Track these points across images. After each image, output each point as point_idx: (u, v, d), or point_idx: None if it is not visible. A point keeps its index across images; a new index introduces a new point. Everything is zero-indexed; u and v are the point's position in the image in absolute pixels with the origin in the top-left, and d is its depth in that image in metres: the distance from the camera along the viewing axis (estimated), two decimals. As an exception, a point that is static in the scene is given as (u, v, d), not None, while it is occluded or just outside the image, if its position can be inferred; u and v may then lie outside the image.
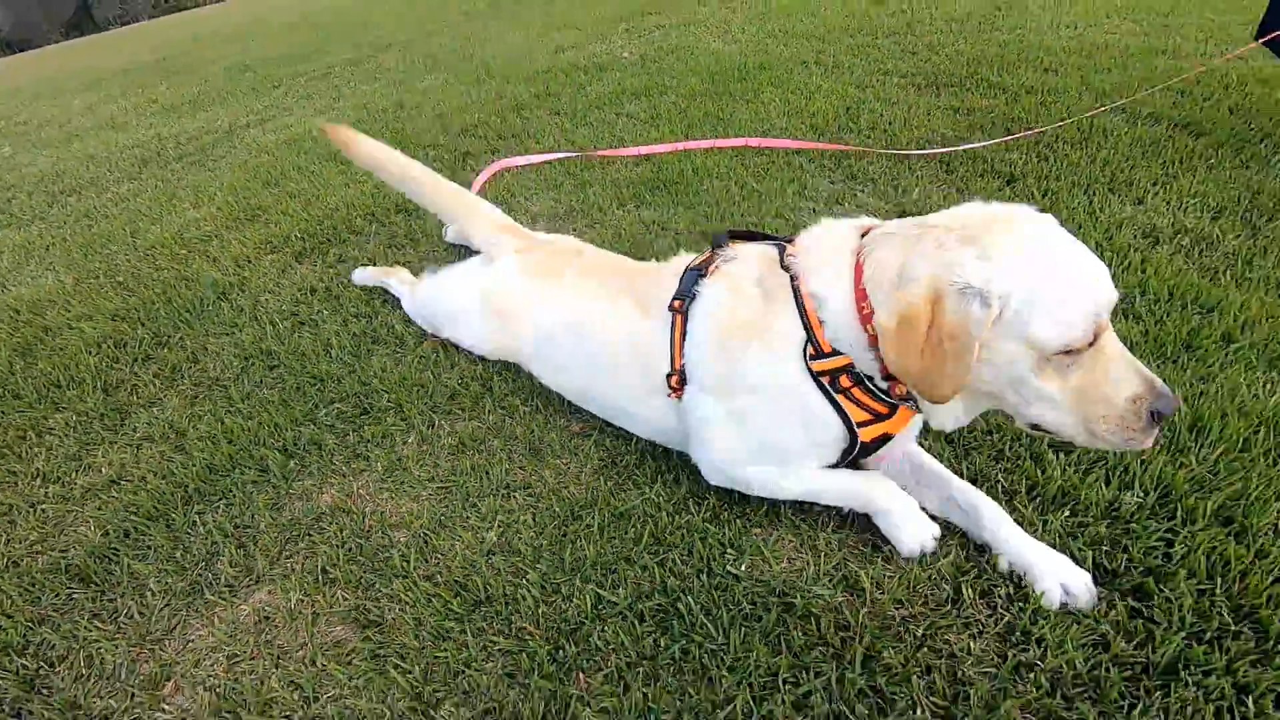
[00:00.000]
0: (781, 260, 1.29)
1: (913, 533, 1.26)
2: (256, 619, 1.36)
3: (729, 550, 1.35)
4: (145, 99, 7.01)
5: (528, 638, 1.24)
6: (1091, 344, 1.03)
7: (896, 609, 1.23)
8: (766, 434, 1.31)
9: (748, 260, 1.36)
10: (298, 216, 3.04)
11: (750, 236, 1.46)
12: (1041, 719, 1.05)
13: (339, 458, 1.70)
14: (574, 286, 1.67)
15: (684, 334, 1.39)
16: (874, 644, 1.17)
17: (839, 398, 1.23)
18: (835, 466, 1.35)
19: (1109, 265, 1.97)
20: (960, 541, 1.29)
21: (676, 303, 1.40)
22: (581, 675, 1.18)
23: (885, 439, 1.29)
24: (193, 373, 2.12)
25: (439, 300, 2.01)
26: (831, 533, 1.36)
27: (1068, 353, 1.02)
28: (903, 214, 2.43)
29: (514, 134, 3.69)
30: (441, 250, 2.62)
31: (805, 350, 1.22)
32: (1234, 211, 2.25)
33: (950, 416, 1.21)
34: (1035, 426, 1.12)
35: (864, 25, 4.96)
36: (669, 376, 1.40)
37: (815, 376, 1.23)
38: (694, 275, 1.41)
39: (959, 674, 1.12)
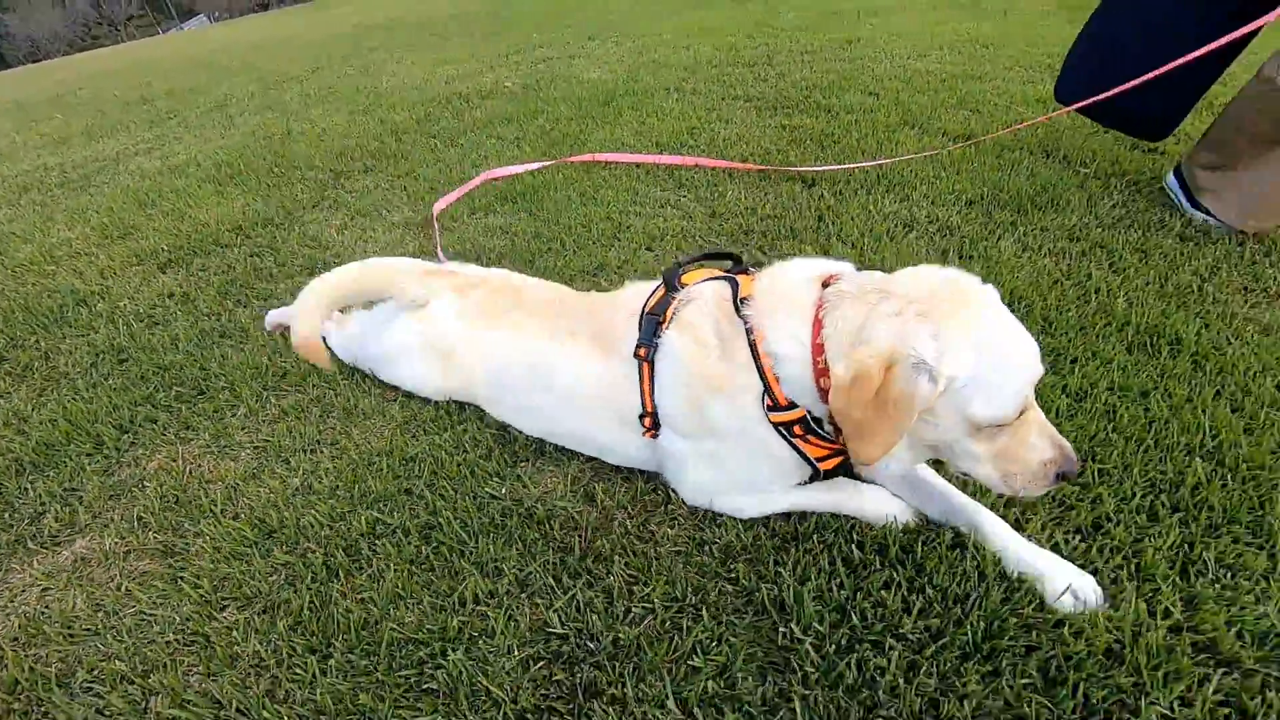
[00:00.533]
0: (735, 304, 1.35)
1: (892, 505, 1.40)
2: (74, 561, 1.54)
3: (494, 479, 1.61)
4: (36, 132, 6.94)
5: (308, 552, 1.47)
6: (1018, 417, 1.17)
7: (620, 512, 1.51)
8: (738, 472, 1.41)
9: (704, 307, 1.40)
10: (167, 232, 3.21)
11: (703, 257, 1.55)
12: (709, 576, 1.34)
13: (171, 431, 1.90)
14: (523, 326, 1.68)
15: (651, 378, 1.45)
16: (594, 537, 1.45)
17: (795, 440, 1.33)
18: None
19: (869, 250, 2.36)
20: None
21: (641, 350, 1.44)
22: (350, 576, 1.41)
23: (842, 464, 1.42)
24: (43, 369, 2.27)
25: (375, 341, 1.93)
26: (584, 462, 1.64)
27: (998, 426, 1.16)
28: (713, 215, 2.81)
29: (388, 155, 3.94)
30: (300, 262, 2.82)
31: (763, 400, 1.31)
32: (980, 205, 2.69)
33: (893, 467, 1.40)
34: (964, 473, 1.26)
35: (730, 57, 5.45)
36: (642, 418, 1.47)
37: (773, 425, 1.32)
38: (653, 322, 1.45)
39: (655, 553, 1.40)
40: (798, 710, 1.10)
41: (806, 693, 1.12)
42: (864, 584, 1.27)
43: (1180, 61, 2.19)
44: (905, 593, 1.24)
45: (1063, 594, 1.18)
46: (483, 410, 1.80)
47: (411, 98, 5.28)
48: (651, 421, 1.46)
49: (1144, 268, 2.18)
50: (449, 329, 1.76)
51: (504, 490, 1.58)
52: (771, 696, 1.13)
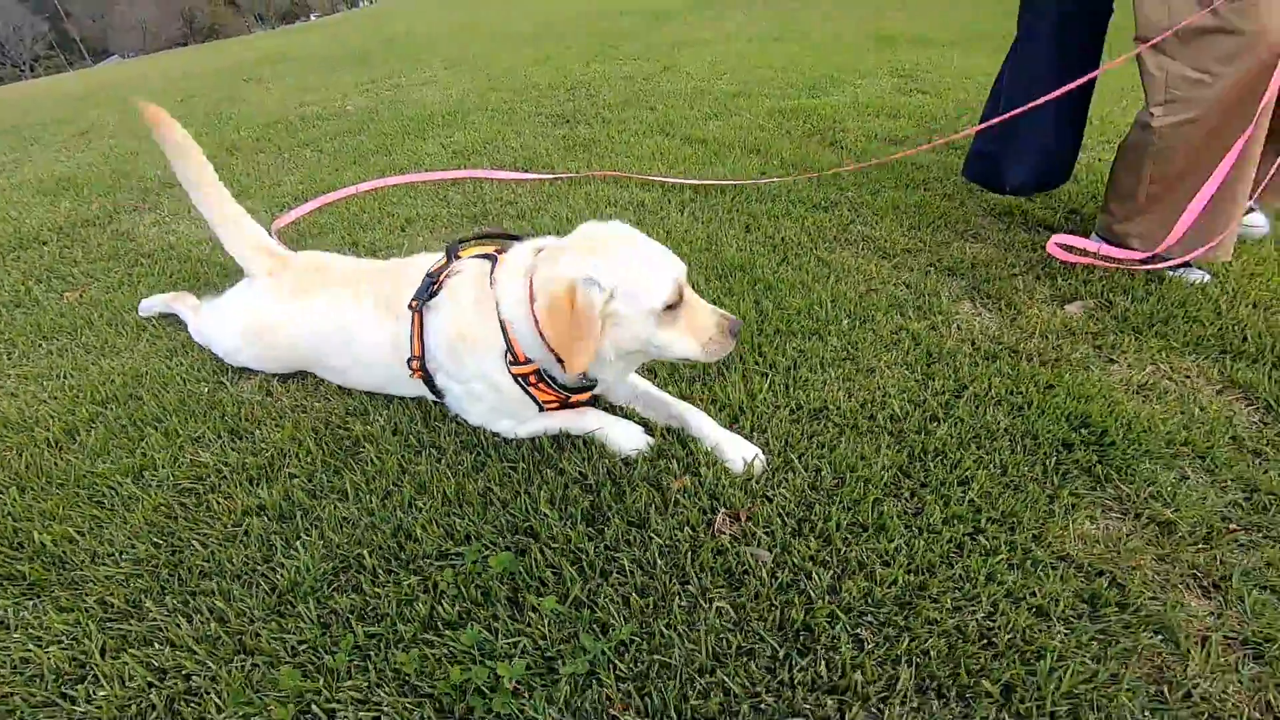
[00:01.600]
0: (491, 277, 1.66)
1: (628, 438, 1.71)
2: None
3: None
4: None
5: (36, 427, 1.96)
6: (680, 300, 1.52)
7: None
8: (492, 406, 1.75)
9: (467, 278, 1.70)
10: (-7, 234, 3.61)
11: (481, 237, 1.87)
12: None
13: (-47, 371, 2.34)
14: (328, 300, 1.93)
15: (421, 329, 1.74)
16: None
17: (530, 389, 1.68)
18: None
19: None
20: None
21: (414, 303, 1.73)
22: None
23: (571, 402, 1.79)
24: None
25: (211, 328, 2.21)
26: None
27: (670, 308, 1.51)
28: (470, 204, 3.41)
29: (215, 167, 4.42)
30: (105, 251, 3.27)
31: (505, 356, 1.63)
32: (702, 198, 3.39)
33: (611, 377, 1.72)
34: (678, 359, 1.59)
35: (556, 82, 6.17)
36: (409, 361, 1.76)
37: (513, 376, 1.66)
38: (429, 282, 1.74)
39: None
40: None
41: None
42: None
43: (1020, 110, 2.40)
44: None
45: (736, 462, 1.63)
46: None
47: (257, 120, 5.77)
48: (418, 365, 1.75)
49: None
50: (263, 309, 2.03)
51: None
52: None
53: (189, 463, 1.81)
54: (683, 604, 1.35)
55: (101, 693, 1.25)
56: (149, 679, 1.27)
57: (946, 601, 1.34)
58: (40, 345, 2.44)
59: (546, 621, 1.31)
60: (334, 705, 1.20)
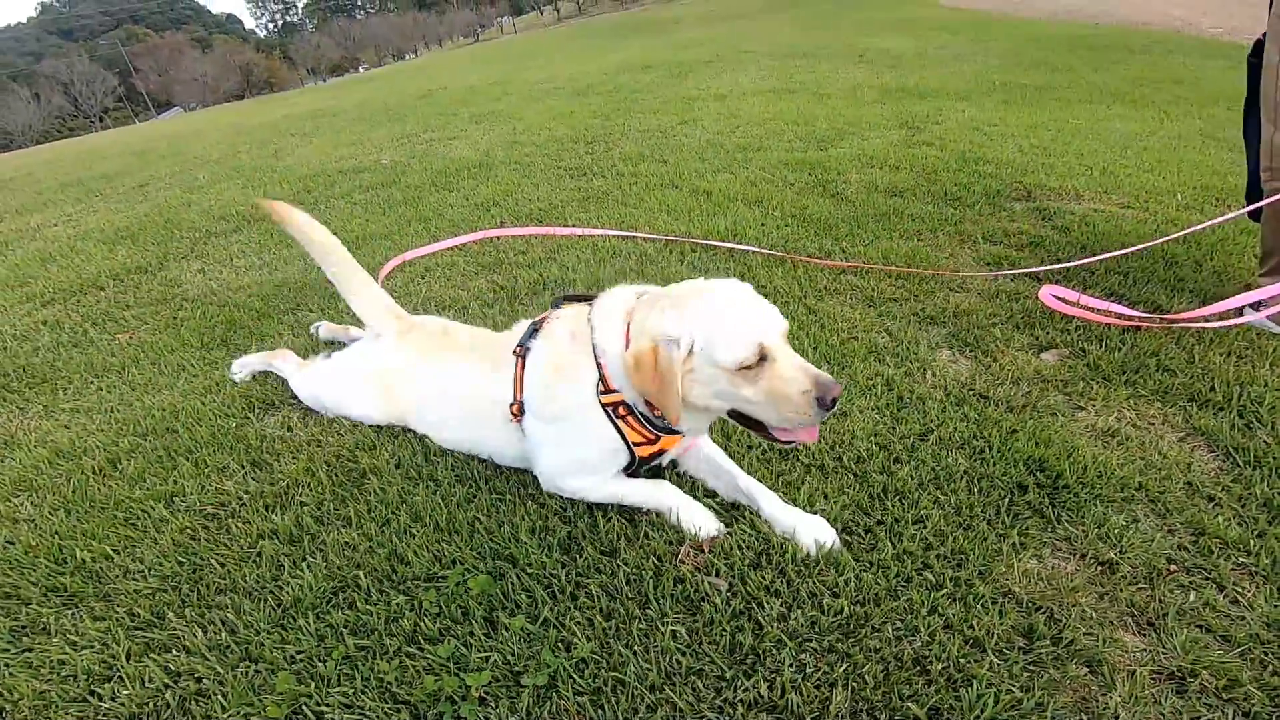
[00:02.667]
0: (588, 317, 1.72)
1: (702, 521, 1.68)
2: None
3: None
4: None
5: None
6: (762, 361, 1.48)
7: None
8: (574, 449, 1.73)
9: (566, 317, 1.78)
10: (54, 280, 3.96)
11: (581, 298, 1.86)
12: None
13: (14, 405, 2.61)
14: (444, 360, 2.04)
15: (523, 374, 1.80)
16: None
17: (619, 422, 1.67)
18: (630, 475, 1.80)
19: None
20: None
21: (517, 349, 1.82)
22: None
23: (660, 454, 1.77)
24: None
25: (331, 380, 2.28)
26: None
27: (747, 368, 1.48)
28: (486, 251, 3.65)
29: (259, 219, 4.79)
30: (154, 296, 3.57)
31: (597, 386, 1.66)
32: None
33: (692, 428, 1.70)
34: (741, 417, 1.58)
35: (576, 136, 6.50)
36: (511, 405, 1.80)
37: (603, 405, 1.67)
38: (531, 330, 1.84)
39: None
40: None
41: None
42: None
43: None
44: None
45: (809, 543, 1.60)
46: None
47: (299, 173, 6.20)
48: (518, 409, 1.80)
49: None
50: (391, 365, 2.15)
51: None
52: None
53: (214, 490, 2.00)
54: (641, 626, 1.47)
55: (125, 692, 1.42)
56: (166, 681, 1.44)
57: (888, 631, 1.44)
58: (92, 382, 2.70)
59: (516, 639, 1.45)
60: (323, 708, 1.35)
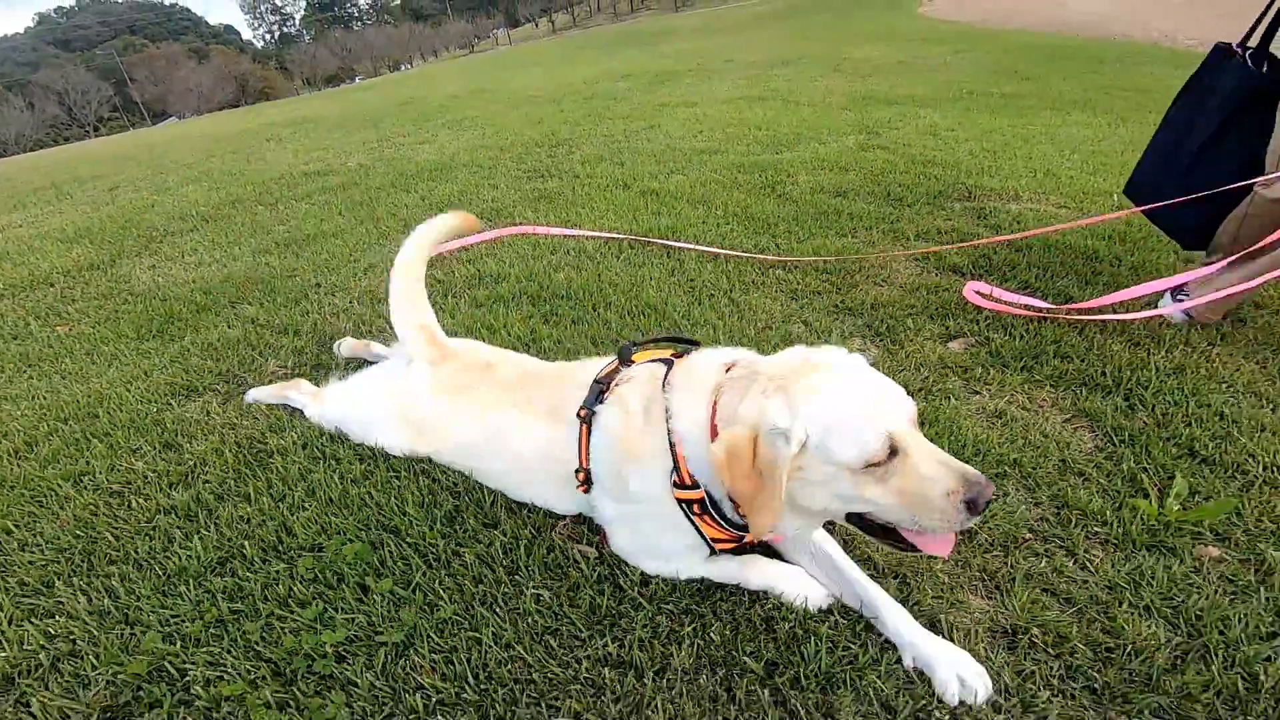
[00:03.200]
0: (664, 384, 1.46)
1: (810, 594, 1.45)
2: None
3: (152, 402, 2.40)
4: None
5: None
6: (893, 455, 1.19)
7: (222, 414, 2.30)
8: (649, 538, 1.52)
9: (638, 384, 1.52)
10: (5, 276, 4.00)
11: (656, 342, 1.68)
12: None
13: (-54, 392, 2.65)
14: (487, 402, 1.78)
15: (588, 438, 1.56)
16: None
17: (696, 520, 1.42)
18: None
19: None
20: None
21: (582, 411, 1.57)
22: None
23: (744, 545, 1.51)
24: None
25: (353, 408, 2.08)
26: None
27: (875, 465, 1.19)
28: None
29: (217, 218, 4.86)
30: (101, 291, 3.62)
31: (671, 476, 1.40)
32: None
33: (798, 532, 1.45)
34: (862, 521, 1.29)
35: (542, 140, 6.59)
36: (577, 472, 1.58)
37: (678, 501, 1.41)
38: (598, 389, 1.58)
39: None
40: (244, 486, 1.89)
41: None
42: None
43: (1211, 192, 2.44)
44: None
45: (950, 684, 1.26)
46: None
47: (266, 176, 6.28)
48: (585, 477, 1.57)
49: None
50: (422, 401, 1.89)
51: (155, 408, 2.37)
52: None
53: (124, 469, 2.05)
54: (507, 590, 1.53)
55: (2, 654, 1.46)
56: (42, 642, 1.48)
57: (742, 595, 1.50)
58: (25, 371, 2.75)
59: (385, 602, 1.50)
60: (188, 665, 1.40)
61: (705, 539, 1.45)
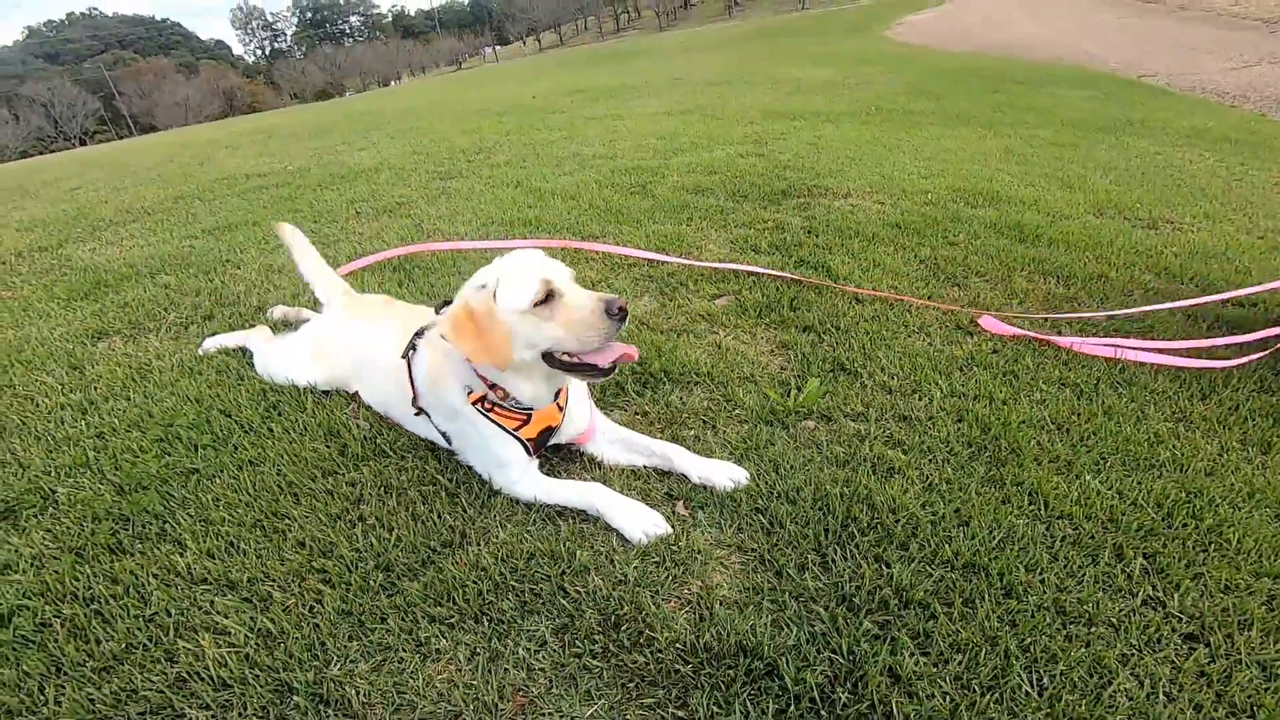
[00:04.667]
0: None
1: (637, 523, 1.72)
2: None
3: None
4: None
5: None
6: (549, 299, 1.66)
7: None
8: (481, 449, 1.88)
9: (440, 323, 1.83)
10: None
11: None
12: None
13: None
14: (376, 319, 2.29)
15: (411, 376, 1.98)
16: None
17: (489, 415, 1.83)
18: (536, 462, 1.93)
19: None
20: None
21: (403, 354, 2.01)
22: None
23: (548, 431, 1.92)
24: None
25: (282, 354, 2.50)
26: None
27: (539, 305, 1.65)
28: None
29: (154, 212, 5.46)
30: (39, 275, 4.21)
31: (465, 390, 1.85)
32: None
33: (530, 392, 1.81)
34: (561, 363, 1.71)
35: (472, 147, 7.26)
36: (414, 400, 1.99)
37: (476, 407, 1.84)
38: (416, 335, 2.00)
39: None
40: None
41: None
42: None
43: None
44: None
45: (725, 481, 1.86)
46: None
47: (213, 177, 6.91)
48: (415, 406, 1.99)
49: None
50: (332, 330, 2.42)
51: (69, 345, 2.98)
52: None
53: (37, 382, 2.65)
54: (296, 444, 2.14)
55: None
56: (-45, 479, 2.08)
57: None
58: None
59: (204, 449, 2.12)
60: (57, 486, 2.00)
61: (509, 433, 1.84)
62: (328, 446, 2.13)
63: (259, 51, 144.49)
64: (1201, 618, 1.49)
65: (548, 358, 1.73)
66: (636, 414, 2.30)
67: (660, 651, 1.45)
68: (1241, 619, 1.49)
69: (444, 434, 1.99)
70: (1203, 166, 6.13)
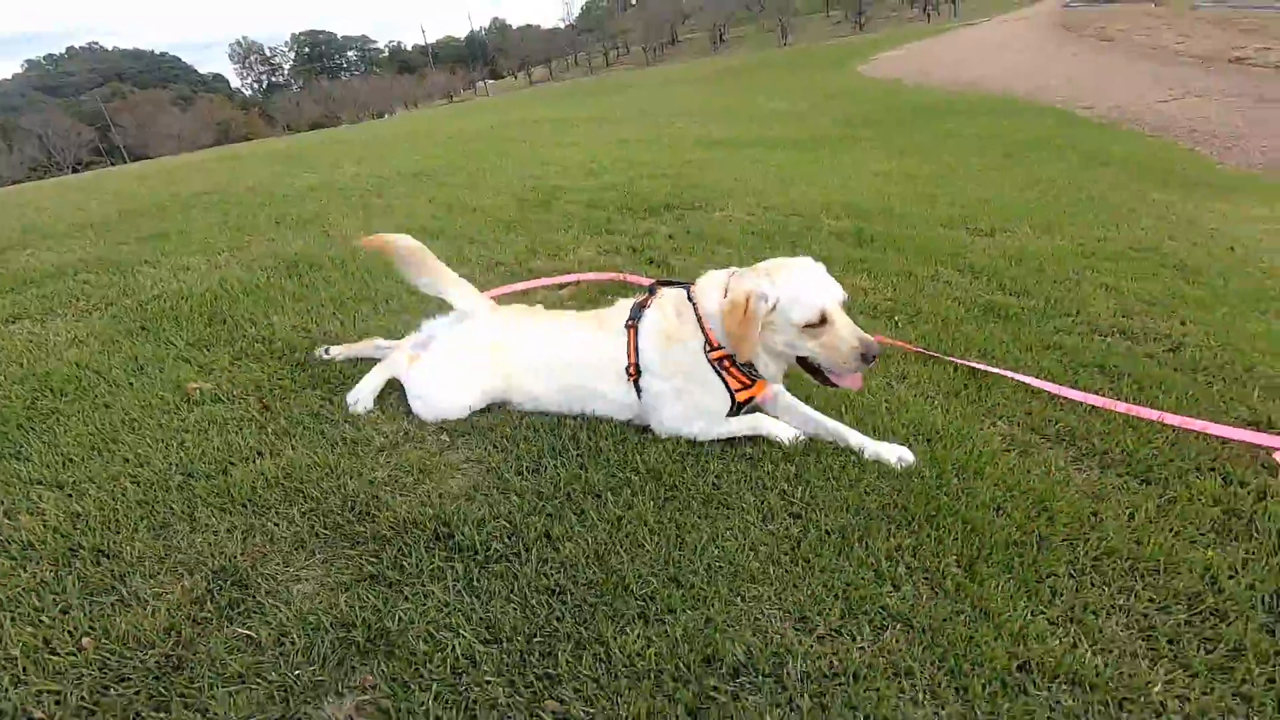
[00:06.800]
0: (688, 295, 2.19)
1: (786, 432, 2.17)
2: None
3: None
4: None
5: None
6: (823, 323, 1.97)
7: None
8: (693, 397, 2.16)
9: (668, 296, 2.25)
10: None
11: (668, 283, 2.32)
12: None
13: None
14: (545, 325, 2.40)
15: (635, 343, 2.20)
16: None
17: (723, 373, 2.13)
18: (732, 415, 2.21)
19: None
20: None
21: (630, 323, 2.23)
22: None
23: (750, 401, 2.23)
24: None
25: (450, 371, 2.37)
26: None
27: (811, 326, 1.98)
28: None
29: (82, 235, 5.91)
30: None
31: (704, 347, 2.13)
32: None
33: (771, 372, 2.16)
34: (804, 361, 2.08)
35: (417, 169, 7.78)
36: (627, 368, 2.21)
37: (710, 361, 2.13)
38: (637, 307, 2.27)
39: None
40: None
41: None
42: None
43: None
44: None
45: (895, 462, 2.05)
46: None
47: (165, 195, 7.39)
48: (635, 370, 2.20)
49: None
50: (490, 334, 2.38)
51: None
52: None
53: (-52, 355, 3.07)
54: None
55: None
56: None
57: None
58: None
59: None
60: (-60, 425, 2.42)
61: (730, 391, 2.15)
62: (174, 395, 2.56)
63: (256, 85, 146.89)
64: None
65: (800, 359, 2.10)
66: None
67: (378, 525, 1.87)
68: None
69: (640, 392, 2.22)
70: (1097, 188, 6.53)
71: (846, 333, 1.96)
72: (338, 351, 2.79)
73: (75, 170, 72.30)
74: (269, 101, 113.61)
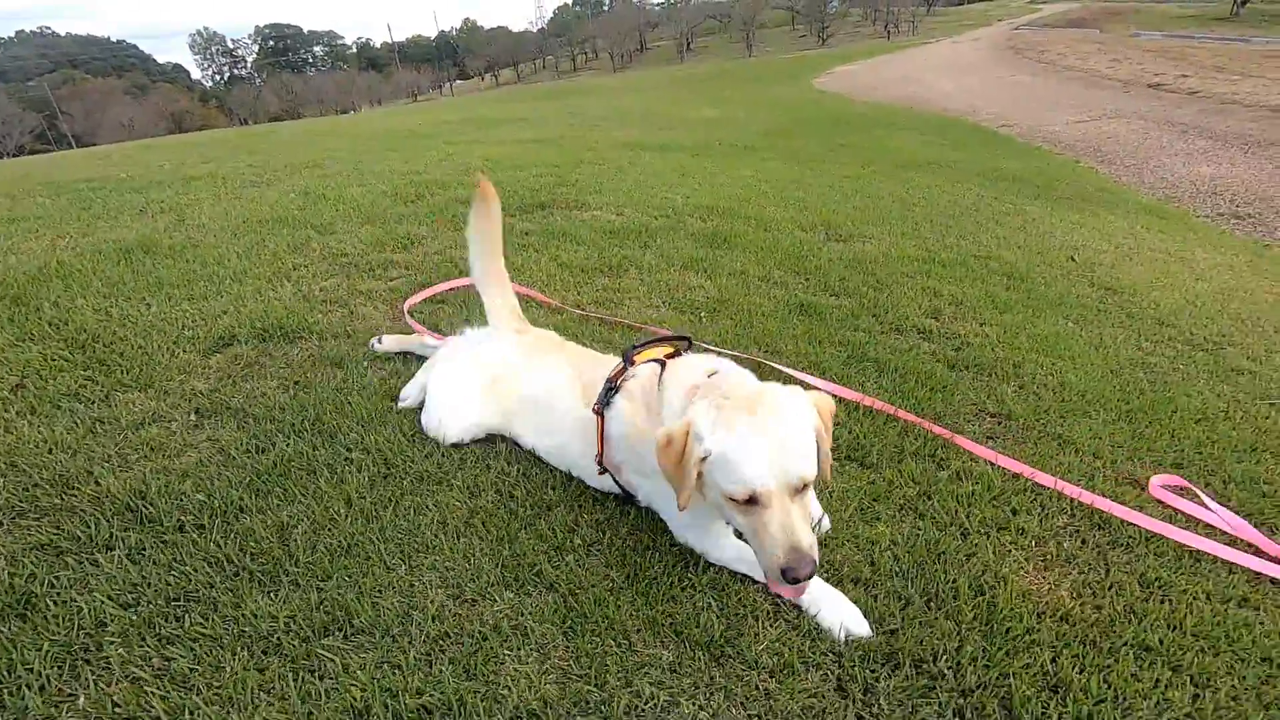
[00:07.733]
0: (659, 381, 1.82)
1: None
2: None
3: None
4: None
5: None
6: (753, 502, 1.47)
7: None
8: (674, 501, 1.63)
9: (640, 378, 1.87)
10: None
11: (653, 342, 1.97)
12: None
13: None
14: (552, 366, 2.16)
15: (603, 432, 1.88)
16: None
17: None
18: None
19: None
20: None
21: (596, 407, 1.89)
22: None
23: None
24: None
25: (454, 387, 2.25)
26: None
27: (735, 501, 1.49)
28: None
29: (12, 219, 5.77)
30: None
31: None
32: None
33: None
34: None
35: (317, 161, 7.71)
36: (596, 457, 1.91)
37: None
38: (609, 387, 1.90)
39: None
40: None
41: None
42: None
43: None
44: None
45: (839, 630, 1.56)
46: None
47: (72, 178, 7.23)
48: (601, 463, 1.91)
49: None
50: (503, 357, 2.24)
51: None
52: None
53: None
54: None
55: None
56: None
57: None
58: None
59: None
60: None
61: None
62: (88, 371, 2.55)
63: (217, 77, 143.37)
64: None
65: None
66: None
67: (77, 498, 1.92)
68: None
69: (627, 486, 1.94)
70: (975, 201, 6.78)
71: (775, 532, 1.46)
72: (390, 341, 2.81)
73: (15, 155, 69.79)
74: (228, 94, 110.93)
